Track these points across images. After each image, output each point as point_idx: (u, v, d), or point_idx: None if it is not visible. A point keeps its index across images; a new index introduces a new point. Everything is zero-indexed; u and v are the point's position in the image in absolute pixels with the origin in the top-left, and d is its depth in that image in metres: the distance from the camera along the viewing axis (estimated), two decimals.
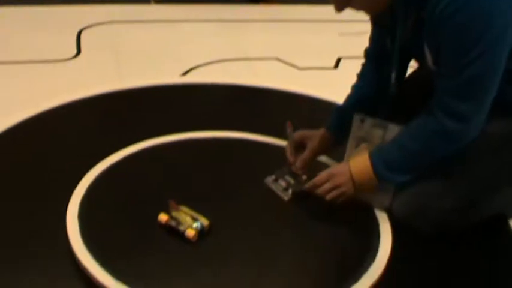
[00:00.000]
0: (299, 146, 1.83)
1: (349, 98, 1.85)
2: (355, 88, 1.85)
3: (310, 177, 1.73)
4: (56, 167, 1.88)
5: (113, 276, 1.41)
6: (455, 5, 1.40)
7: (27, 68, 2.65)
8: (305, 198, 1.72)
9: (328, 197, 1.67)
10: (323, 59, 2.91)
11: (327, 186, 1.67)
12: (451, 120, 1.52)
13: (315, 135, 1.82)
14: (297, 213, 1.70)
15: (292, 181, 1.78)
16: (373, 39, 1.80)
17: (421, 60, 1.65)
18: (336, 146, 1.83)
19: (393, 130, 1.67)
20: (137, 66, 2.74)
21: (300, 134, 1.84)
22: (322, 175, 1.68)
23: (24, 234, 1.59)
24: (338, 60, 2.88)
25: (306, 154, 1.80)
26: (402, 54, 1.67)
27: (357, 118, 1.75)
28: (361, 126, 1.74)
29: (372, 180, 1.63)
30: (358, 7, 1.54)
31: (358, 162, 1.65)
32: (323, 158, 1.87)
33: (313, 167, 1.79)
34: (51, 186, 1.78)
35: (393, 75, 1.68)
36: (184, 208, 1.60)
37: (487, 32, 1.41)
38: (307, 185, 1.71)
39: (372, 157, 1.63)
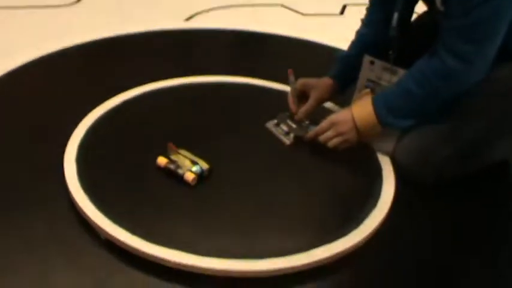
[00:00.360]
0: (302, 95, 1.80)
1: (353, 45, 1.82)
2: (360, 34, 1.81)
3: (313, 122, 1.71)
4: (56, 110, 1.86)
5: (109, 218, 1.39)
6: None
7: (28, 13, 2.62)
8: (307, 143, 1.70)
9: (331, 144, 1.65)
10: (328, 6, 2.86)
11: (329, 133, 1.65)
12: (453, 60, 1.49)
13: (318, 84, 1.78)
14: (299, 158, 1.68)
15: (294, 125, 1.75)
16: None
17: (429, 0, 1.61)
18: (340, 94, 1.81)
19: (402, 75, 1.64)
20: (140, 11, 2.70)
21: (302, 82, 1.80)
22: (324, 123, 1.66)
23: (22, 176, 1.58)
24: (344, 7, 2.83)
25: (309, 104, 1.77)
26: None
27: (366, 60, 1.72)
28: (371, 68, 1.71)
29: (376, 127, 1.61)
30: None
31: (361, 109, 1.62)
32: (327, 104, 1.84)
33: (316, 112, 1.76)
34: (50, 128, 1.77)
35: (395, 17, 1.64)
36: (183, 151, 1.58)
37: None
38: (309, 134, 1.69)
39: (375, 103, 1.60)
